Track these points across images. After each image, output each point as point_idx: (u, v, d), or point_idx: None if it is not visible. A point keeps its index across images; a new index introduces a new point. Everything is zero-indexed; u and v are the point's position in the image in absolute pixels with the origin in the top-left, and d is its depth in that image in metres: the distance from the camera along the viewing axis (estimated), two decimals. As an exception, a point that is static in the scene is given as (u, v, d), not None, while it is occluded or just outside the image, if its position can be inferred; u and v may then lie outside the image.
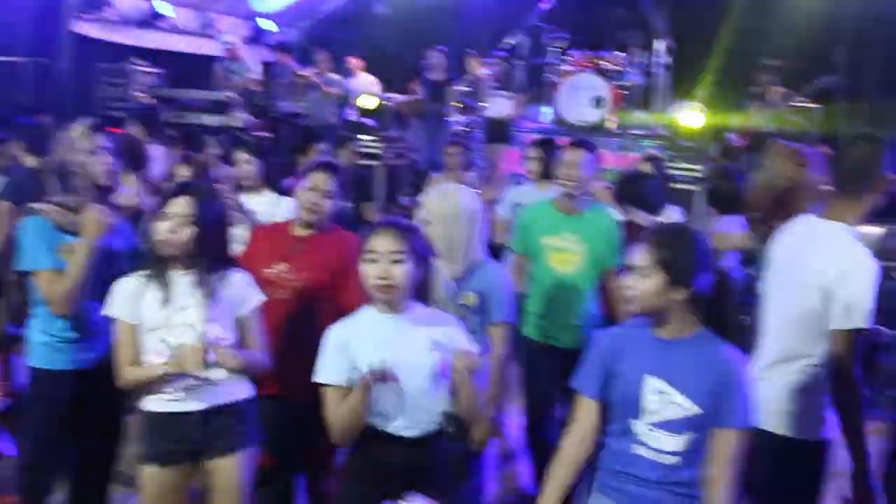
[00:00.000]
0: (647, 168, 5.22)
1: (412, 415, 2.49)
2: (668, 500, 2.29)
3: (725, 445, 2.23)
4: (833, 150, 2.87)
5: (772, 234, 3.01)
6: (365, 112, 9.16)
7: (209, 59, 10.33)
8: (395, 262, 2.44)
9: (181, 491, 2.76)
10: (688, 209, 5.91)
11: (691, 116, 7.99)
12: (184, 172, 3.72)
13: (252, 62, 10.50)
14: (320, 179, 3.28)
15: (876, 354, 4.58)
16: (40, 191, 3.04)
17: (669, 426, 2.26)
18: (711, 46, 8.77)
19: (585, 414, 2.40)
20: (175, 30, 10.59)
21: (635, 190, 4.25)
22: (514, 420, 4.34)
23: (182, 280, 2.72)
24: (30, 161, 4.69)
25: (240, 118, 9.06)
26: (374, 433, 2.48)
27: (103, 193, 3.10)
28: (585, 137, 4.40)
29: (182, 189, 2.73)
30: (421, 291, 2.56)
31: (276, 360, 2.98)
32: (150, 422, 2.75)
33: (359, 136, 7.76)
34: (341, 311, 2.63)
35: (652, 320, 2.32)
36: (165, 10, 10.17)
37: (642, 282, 2.26)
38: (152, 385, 2.70)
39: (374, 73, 9.88)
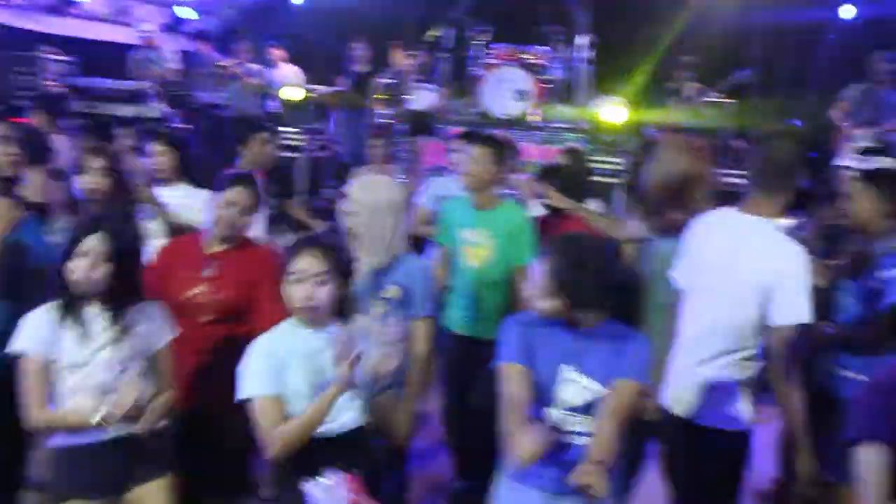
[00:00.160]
0: (567, 161, 5.27)
1: (337, 416, 2.47)
2: None
3: (616, 395, 2.32)
4: (748, 144, 2.95)
5: (666, 225, 3.09)
6: (288, 104, 9.01)
7: (124, 48, 10.00)
8: (320, 282, 2.43)
9: None
10: (607, 202, 6.00)
11: (613, 111, 8.11)
12: (94, 164, 3.58)
13: (169, 51, 10.21)
14: (238, 195, 3.18)
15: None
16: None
17: (584, 410, 2.34)
18: (633, 42, 8.92)
19: (518, 378, 2.35)
20: (88, 16, 10.23)
21: (556, 183, 4.29)
22: (437, 413, 4.33)
23: (98, 317, 2.61)
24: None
25: (156, 108, 8.80)
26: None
27: (7, 185, 2.97)
28: (479, 131, 4.44)
29: (95, 224, 2.61)
30: (341, 306, 2.54)
31: (197, 381, 2.96)
32: (66, 455, 2.62)
33: (280, 129, 7.64)
34: (260, 328, 2.61)
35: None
36: (78, -5, 9.82)
37: (544, 302, 2.32)
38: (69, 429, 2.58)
39: (296, 64, 9.73)
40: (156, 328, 2.72)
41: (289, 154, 7.83)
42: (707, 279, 2.87)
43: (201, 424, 3.06)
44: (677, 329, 2.98)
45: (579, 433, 2.36)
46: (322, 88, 9.20)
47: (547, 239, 3.83)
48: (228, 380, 2.46)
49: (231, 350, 2.63)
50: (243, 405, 2.43)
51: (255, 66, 9.37)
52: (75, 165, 3.63)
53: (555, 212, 4.30)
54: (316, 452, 2.43)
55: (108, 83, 9.07)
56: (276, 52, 9.71)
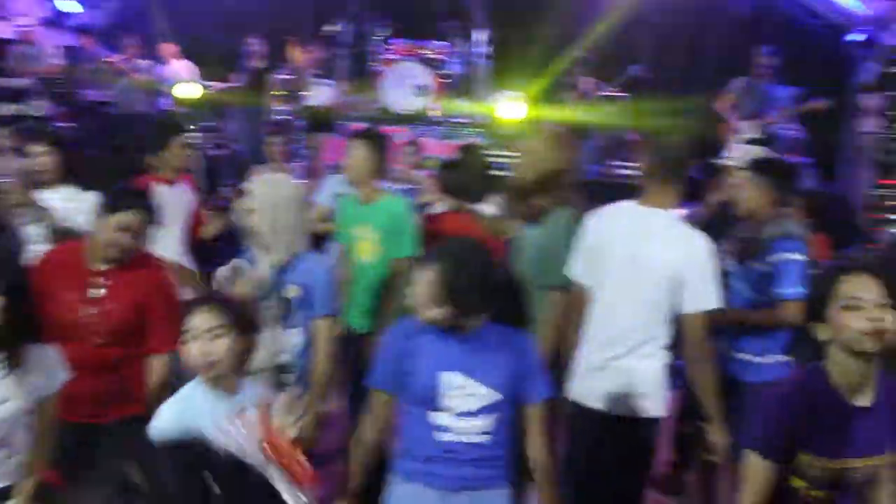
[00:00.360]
0: (463, 157, 5.26)
1: None
2: (482, 475, 2.44)
3: (536, 419, 2.44)
4: (644, 139, 3.02)
5: (532, 212, 3.15)
6: (183, 102, 8.72)
7: (2, 43, 9.48)
8: (215, 337, 2.35)
9: None
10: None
11: (511, 106, 8.20)
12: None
13: (51, 46, 9.73)
14: (132, 218, 2.93)
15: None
16: None
17: (472, 414, 2.38)
18: (530, 37, 9.02)
19: (380, 407, 2.53)
20: (-40, 10, 9.65)
21: (455, 179, 4.30)
22: (342, 414, 4.27)
23: None
24: None
25: (38, 106, 8.39)
26: None
27: None
28: (368, 127, 4.48)
29: None
30: (243, 361, 2.46)
31: (93, 404, 2.87)
32: None
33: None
34: (156, 351, 2.57)
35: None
36: (-52, -12, 9.25)
37: (432, 311, 2.33)
38: None
39: (188, 60, 9.42)
40: (47, 373, 2.52)
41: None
42: (616, 274, 2.92)
43: (96, 444, 2.92)
44: (586, 324, 3.02)
45: (469, 434, 2.40)
46: (217, 85, 8.95)
47: (430, 245, 3.88)
48: (126, 401, 2.34)
49: (128, 372, 2.50)
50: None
51: (144, 62, 9.03)
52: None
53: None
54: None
55: (-15, 80, 8.60)
56: (168, 48, 9.38)
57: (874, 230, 6.92)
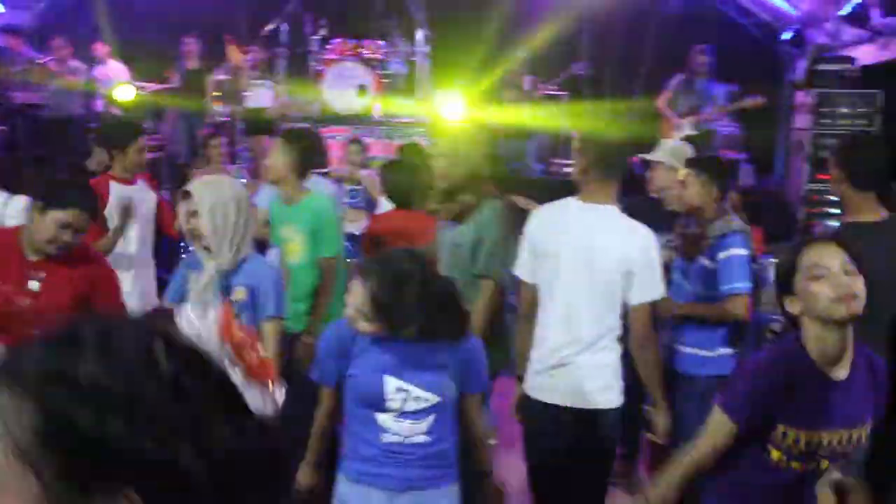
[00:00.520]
0: (405, 157, 5.25)
1: None
2: (428, 475, 2.46)
3: (473, 409, 2.48)
4: (581, 136, 3.06)
5: (458, 210, 3.18)
6: (119, 103, 8.49)
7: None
8: None
9: None
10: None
11: (451, 106, 8.20)
12: None
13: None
14: (75, 217, 2.88)
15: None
16: None
17: (415, 416, 2.40)
18: (470, 36, 9.03)
19: (328, 398, 2.59)
20: None
21: (395, 179, 4.28)
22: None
23: None
24: None
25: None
26: None
27: None
28: (288, 126, 4.46)
29: None
30: None
31: None
32: None
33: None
34: None
35: None
36: None
37: (363, 325, 2.33)
38: None
39: (123, 61, 9.18)
40: None
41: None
42: (571, 272, 2.94)
43: None
44: (540, 323, 3.03)
45: (412, 435, 2.42)
46: (152, 86, 8.75)
47: (374, 245, 3.88)
48: None
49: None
50: None
51: (76, 64, 8.77)
52: None
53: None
54: None
55: None
56: (101, 48, 9.13)
57: (811, 224, 7.11)
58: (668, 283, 3.31)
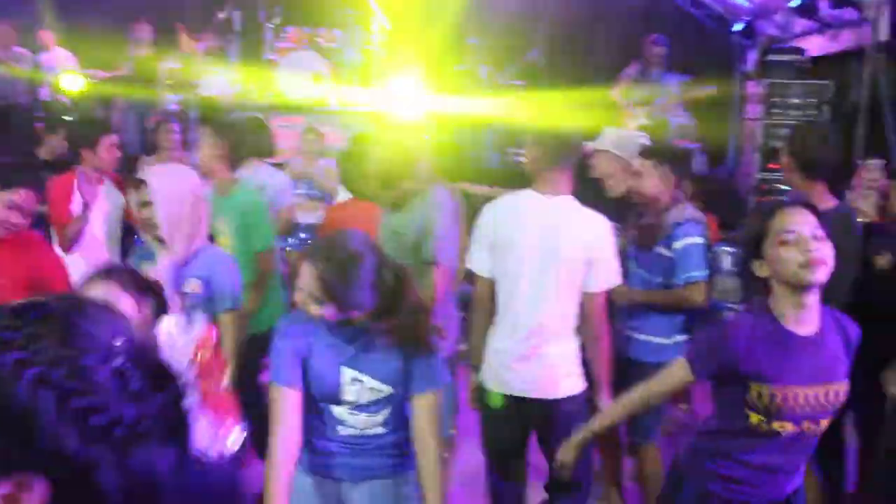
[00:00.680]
0: (359, 146, 5.20)
1: None
2: (385, 464, 2.44)
3: (422, 409, 2.37)
4: (534, 127, 3.06)
5: (396, 198, 3.17)
6: (66, 92, 8.28)
7: None
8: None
9: None
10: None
11: (406, 93, 8.15)
12: None
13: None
14: (22, 198, 2.91)
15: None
16: None
17: (368, 408, 2.37)
18: (426, 24, 8.98)
19: (290, 403, 2.34)
20: None
21: (349, 169, 4.23)
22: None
23: None
24: None
25: None
26: None
27: None
28: (211, 115, 4.39)
29: None
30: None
31: None
32: None
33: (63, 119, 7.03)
34: None
35: None
36: None
37: (317, 308, 2.26)
38: None
39: (71, 48, 8.95)
40: None
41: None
42: (534, 263, 2.94)
43: None
44: (501, 315, 3.03)
45: (366, 427, 2.40)
46: (101, 74, 8.55)
47: (312, 241, 3.82)
48: None
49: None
50: None
51: (20, 51, 8.53)
52: None
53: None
54: None
55: None
56: (46, 35, 8.88)
57: (761, 212, 7.21)
58: (625, 273, 3.34)
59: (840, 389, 2.20)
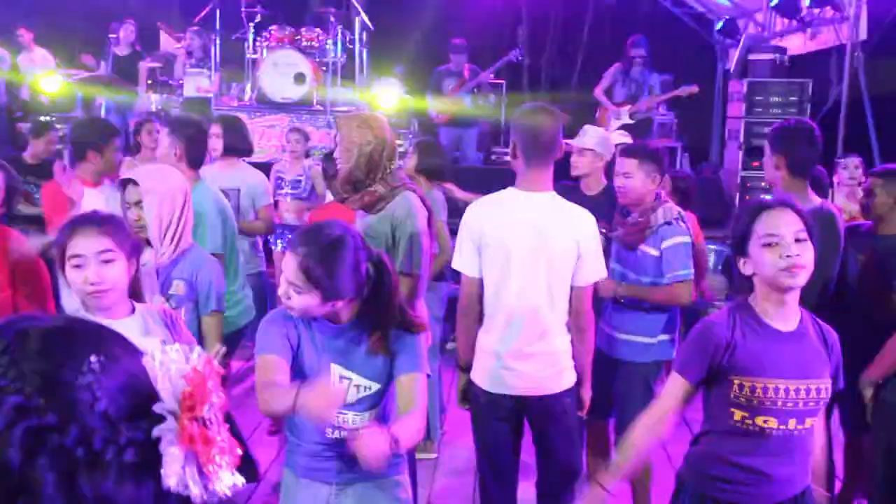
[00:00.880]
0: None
1: None
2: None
3: (407, 388, 2.30)
4: (516, 125, 3.04)
5: (368, 200, 3.13)
6: (46, 92, 8.20)
7: None
8: (106, 262, 2.18)
9: None
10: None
11: (389, 93, 8.14)
12: None
13: None
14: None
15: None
16: None
17: (356, 407, 2.33)
18: (409, 23, 8.99)
19: (278, 366, 2.28)
20: None
21: (335, 168, 4.21)
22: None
23: None
24: None
25: None
26: None
27: None
28: (168, 115, 4.34)
29: None
30: (134, 286, 2.33)
31: None
32: None
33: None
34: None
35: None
36: None
37: (298, 298, 2.20)
38: None
39: (49, 47, 8.86)
40: None
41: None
42: (525, 262, 2.93)
43: None
44: (492, 315, 3.02)
45: (355, 427, 2.32)
46: (81, 73, 8.48)
47: (294, 233, 3.77)
48: None
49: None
50: None
51: (1, 51, 8.46)
52: None
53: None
54: None
55: None
56: (25, 34, 8.80)
57: (744, 210, 7.26)
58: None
59: (822, 386, 2.23)
